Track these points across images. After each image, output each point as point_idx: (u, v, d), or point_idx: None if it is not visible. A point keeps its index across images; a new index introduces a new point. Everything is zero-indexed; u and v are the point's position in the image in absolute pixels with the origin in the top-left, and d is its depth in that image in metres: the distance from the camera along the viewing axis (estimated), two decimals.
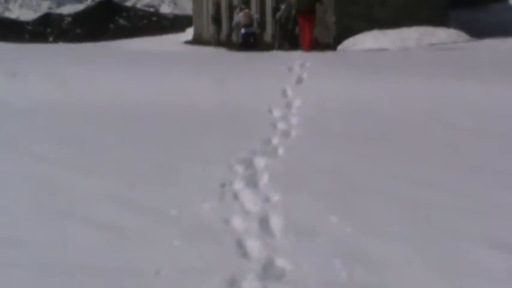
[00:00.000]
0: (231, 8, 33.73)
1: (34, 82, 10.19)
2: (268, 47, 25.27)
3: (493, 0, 27.40)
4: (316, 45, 21.85)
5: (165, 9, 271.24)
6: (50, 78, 10.42)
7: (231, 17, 32.34)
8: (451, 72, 10.72)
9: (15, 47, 21.87)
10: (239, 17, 27.41)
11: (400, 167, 5.96)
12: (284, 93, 9.76)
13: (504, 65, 11.28)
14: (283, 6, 26.24)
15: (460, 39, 21.67)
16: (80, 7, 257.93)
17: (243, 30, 26.49)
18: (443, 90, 9.46)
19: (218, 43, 33.06)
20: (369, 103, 9.02)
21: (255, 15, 26.79)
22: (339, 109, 8.85)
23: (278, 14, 26.09)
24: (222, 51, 26.49)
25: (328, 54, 14.81)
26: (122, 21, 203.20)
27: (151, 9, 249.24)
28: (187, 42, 38.76)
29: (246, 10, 27.54)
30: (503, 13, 26.07)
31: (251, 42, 26.16)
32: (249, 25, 26.23)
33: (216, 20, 34.57)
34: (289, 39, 25.60)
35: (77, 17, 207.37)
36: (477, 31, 23.27)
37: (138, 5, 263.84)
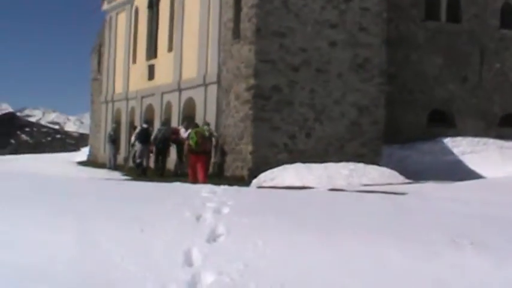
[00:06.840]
0: (131, 127, 29.88)
1: None
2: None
3: (427, 139, 24.75)
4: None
5: (70, 127, 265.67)
6: None
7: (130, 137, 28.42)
8: (435, 236, 7.28)
9: None
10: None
11: None
12: (188, 260, 6.10)
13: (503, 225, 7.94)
14: (160, 128, 24.81)
15: (395, 181, 18.75)
16: None
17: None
18: (440, 268, 6.03)
19: (114, 167, 28.77)
20: None
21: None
22: None
23: (153, 136, 24.48)
24: (113, 178, 22.61)
25: (249, 194, 11.15)
26: (24, 137, 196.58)
27: (56, 127, 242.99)
28: (81, 163, 34.39)
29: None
30: (437, 153, 23.51)
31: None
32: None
33: (113, 139, 30.10)
34: (160, 164, 24.22)
35: None
36: (410, 172, 20.57)
37: (43, 122, 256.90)
